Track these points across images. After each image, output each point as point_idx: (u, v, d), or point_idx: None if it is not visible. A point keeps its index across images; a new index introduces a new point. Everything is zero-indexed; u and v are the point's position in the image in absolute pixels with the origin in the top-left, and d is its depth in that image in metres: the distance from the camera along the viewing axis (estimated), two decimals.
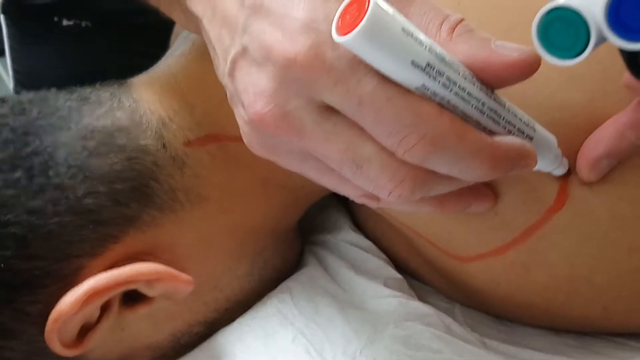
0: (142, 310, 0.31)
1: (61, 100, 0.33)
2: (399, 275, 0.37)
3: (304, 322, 0.35)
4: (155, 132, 0.33)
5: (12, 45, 0.77)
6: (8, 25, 0.76)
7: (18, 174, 0.29)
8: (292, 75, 0.21)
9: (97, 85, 0.36)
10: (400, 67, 0.19)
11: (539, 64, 0.21)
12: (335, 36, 0.20)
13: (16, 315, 0.29)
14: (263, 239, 0.37)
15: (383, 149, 0.22)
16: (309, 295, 0.37)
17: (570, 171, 0.28)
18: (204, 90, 0.34)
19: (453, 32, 0.22)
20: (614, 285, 0.29)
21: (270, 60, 0.22)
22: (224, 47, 0.25)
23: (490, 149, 0.22)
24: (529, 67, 0.21)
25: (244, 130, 0.25)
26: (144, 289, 0.30)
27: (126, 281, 0.29)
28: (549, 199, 0.29)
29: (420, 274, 0.39)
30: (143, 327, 0.32)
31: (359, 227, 0.43)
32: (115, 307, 0.30)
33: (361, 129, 0.22)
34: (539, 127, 0.24)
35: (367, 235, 0.42)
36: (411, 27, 0.20)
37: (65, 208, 0.29)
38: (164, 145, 0.33)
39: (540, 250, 0.29)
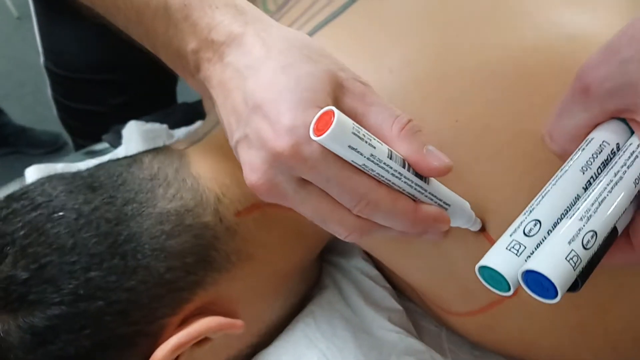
0: (206, 346, 0.41)
1: (137, 181, 0.41)
2: (399, 307, 0.47)
3: (326, 345, 0.46)
4: (213, 208, 0.41)
5: (39, 24, 0.81)
6: (35, 3, 0.80)
7: (116, 260, 0.37)
8: (279, 162, 0.31)
9: (160, 157, 0.43)
10: (353, 156, 0.30)
11: (450, 170, 0.31)
12: (312, 136, 0.29)
13: None
14: (293, 277, 0.47)
15: (337, 209, 0.32)
16: (328, 319, 0.48)
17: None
18: None
19: (401, 130, 0.32)
20: (558, 346, 0.39)
21: (264, 149, 0.31)
22: (231, 129, 0.34)
23: (413, 212, 0.32)
24: (443, 172, 0.31)
25: None
26: (209, 335, 0.40)
27: (199, 335, 0.39)
28: None
29: (415, 303, 0.49)
30: (206, 356, 0.42)
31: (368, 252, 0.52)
32: (188, 348, 0.40)
33: (325, 195, 0.32)
34: (455, 197, 0.34)
35: (375, 262, 0.51)
36: (361, 131, 0.29)
37: (152, 285, 0.38)
38: (220, 220, 0.41)
39: (499, 319, 0.39)
